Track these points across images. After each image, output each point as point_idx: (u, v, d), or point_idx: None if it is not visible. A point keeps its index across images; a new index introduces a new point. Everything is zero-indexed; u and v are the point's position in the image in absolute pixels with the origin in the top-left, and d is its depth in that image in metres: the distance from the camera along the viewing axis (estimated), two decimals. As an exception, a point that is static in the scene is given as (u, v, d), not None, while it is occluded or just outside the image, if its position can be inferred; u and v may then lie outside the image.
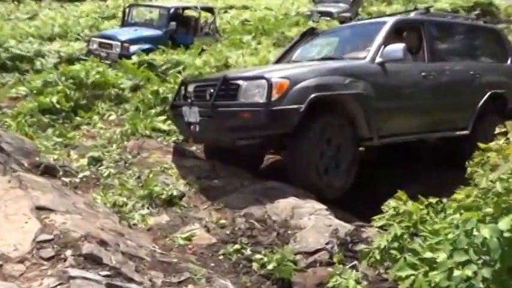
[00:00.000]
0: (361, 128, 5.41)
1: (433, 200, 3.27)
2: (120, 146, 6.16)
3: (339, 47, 6.71)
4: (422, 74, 5.91)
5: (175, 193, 4.86)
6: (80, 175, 5.29)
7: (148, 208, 4.66)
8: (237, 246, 4.08)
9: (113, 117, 7.74)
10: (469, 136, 6.31)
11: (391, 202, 3.24)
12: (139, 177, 5.21)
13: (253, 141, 5.09)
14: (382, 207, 3.28)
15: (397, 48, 5.45)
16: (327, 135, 5.11)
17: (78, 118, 7.53)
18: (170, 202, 4.79)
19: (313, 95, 4.88)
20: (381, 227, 3.29)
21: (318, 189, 5.03)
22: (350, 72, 5.31)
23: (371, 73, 5.46)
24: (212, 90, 5.09)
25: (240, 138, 5.03)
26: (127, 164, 5.59)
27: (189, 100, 5.40)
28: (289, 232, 4.24)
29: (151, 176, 5.12)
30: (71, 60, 10.80)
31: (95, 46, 11.83)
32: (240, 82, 4.98)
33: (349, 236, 4.03)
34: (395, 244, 2.93)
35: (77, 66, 8.63)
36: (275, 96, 4.76)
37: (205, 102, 5.14)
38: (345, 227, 4.16)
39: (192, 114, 5.29)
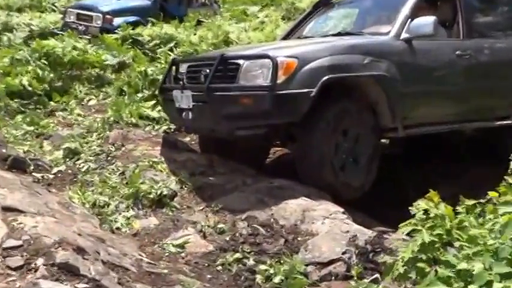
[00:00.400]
0: (384, 117, 5.37)
1: (470, 202, 3.24)
2: (101, 136, 6.15)
3: (358, 20, 6.59)
4: (457, 52, 5.84)
5: (165, 192, 4.85)
6: (54, 170, 5.29)
7: (133, 209, 4.66)
8: (238, 255, 4.07)
9: (93, 102, 7.74)
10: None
11: (421, 204, 3.20)
12: (123, 173, 5.21)
13: (255, 131, 5.06)
14: (410, 209, 3.24)
15: (427, 22, 5.37)
16: (343, 125, 5.09)
17: (52, 103, 7.53)
18: (159, 202, 4.79)
19: (326, 77, 4.83)
20: (408, 234, 3.26)
21: (333, 189, 5.02)
22: (371, 50, 5.26)
23: (395, 51, 5.40)
24: (208, 71, 5.05)
25: (240, 128, 5.00)
26: (109, 158, 5.59)
27: (181, 83, 5.36)
28: (299, 239, 4.23)
29: (137, 171, 5.11)
30: (43, 35, 10.76)
31: (72, 18, 11.80)
32: (240, 62, 4.94)
33: (370, 244, 4.00)
34: (425, 254, 2.90)
35: (51, 42, 8.60)
36: (281, 78, 4.73)
37: (200, 85, 5.12)
38: (365, 234, 4.14)
39: (184, 99, 5.25)
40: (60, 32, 10.48)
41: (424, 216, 3.10)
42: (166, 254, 4.08)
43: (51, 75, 7.93)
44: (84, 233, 3.60)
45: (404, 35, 5.47)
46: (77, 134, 6.18)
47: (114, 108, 6.87)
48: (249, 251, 4.16)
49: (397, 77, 5.29)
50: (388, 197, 6.21)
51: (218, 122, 5.05)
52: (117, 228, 4.39)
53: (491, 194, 3.00)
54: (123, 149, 5.79)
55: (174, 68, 5.76)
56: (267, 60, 4.78)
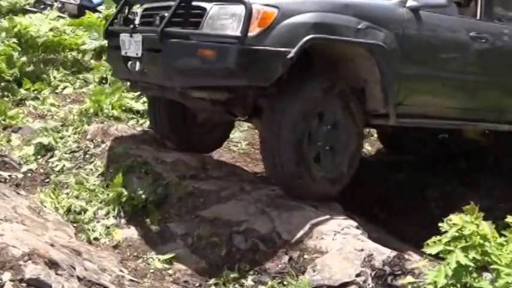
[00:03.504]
0: (374, 99, 5.13)
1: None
2: (78, 131, 6.09)
3: None
4: (471, 34, 5.59)
5: (151, 198, 4.82)
6: (24, 169, 5.26)
7: (115, 217, 4.64)
8: (234, 275, 4.06)
9: (69, 90, 7.69)
10: None
11: (454, 219, 3.15)
12: (103, 175, 5.19)
13: (215, 95, 4.86)
14: (440, 226, 3.18)
15: None
16: (322, 105, 4.87)
17: (22, 90, 7.48)
18: (144, 210, 4.77)
19: (309, 37, 4.54)
20: (434, 255, 3.21)
21: (302, 186, 4.81)
22: (368, 13, 4.96)
23: (398, 20, 5.12)
24: (166, 14, 4.74)
25: (196, 88, 4.77)
26: (87, 156, 5.55)
27: (131, 25, 5.05)
28: (305, 257, 4.18)
29: (119, 173, 5.05)
30: (14, 12, 10.70)
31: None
32: (206, 5, 4.59)
33: (389, 265, 3.96)
34: (458, 280, 2.86)
35: (22, 21, 8.53)
36: (255, 30, 4.42)
37: (153, 28, 4.81)
38: (382, 253, 4.09)
39: (132, 45, 4.95)
40: (33, 9, 10.42)
41: (457, 234, 3.06)
42: (152, 270, 4.07)
43: (22, 58, 7.87)
44: (58, 244, 3.60)
45: (411, 2, 5.20)
46: (50, 127, 6.12)
47: (93, 98, 6.80)
48: (247, 269, 4.14)
49: (397, 52, 5.07)
50: (406, 210, 6.22)
51: (170, 76, 4.74)
52: (95, 239, 4.38)
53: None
54: (103, 146, 5.73)
55: (127, 8, 5.44)
56: (240, 7, 4.45)
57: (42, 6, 10.58)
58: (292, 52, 4.47)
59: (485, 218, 3.19)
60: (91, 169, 5.29)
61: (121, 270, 3.84)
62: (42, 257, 3.22)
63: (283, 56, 4.46)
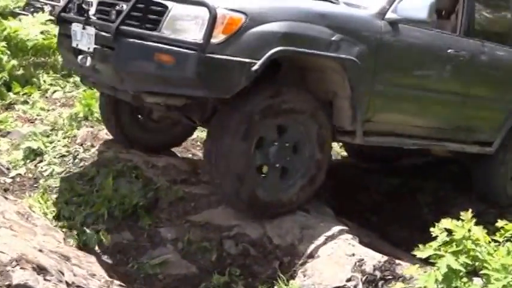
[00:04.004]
0: (341, 115, 4.88)
1: (503, 224, 3.22)
2: (67, 135, 6.08)
3: None
4: (449, 50, 5.38)
5: (141, 202, 4.81)
6: (12, 173, 5.23)
7: (104, 222, 4.61)
8: (224, 279, 4.06)
9: (59, 94, 7.66)
10: (491, 158, 6.09)
11: (444, 223, 3.16)
12: (92, 179, 5.15)
13: (171, 101, 4.59)
14: (431, 230, 3.20)
15: (422, 4, 4.81)
16: (282, 118, 4.54)
17: (11, 94, 7.45)
18: (134, 215, 4.75)
19: (276, 49, 4.25)
20: (425, 260, 3.22)
21: (248, 203, 4.53)
22: (344, 24, 4.69)
23: (375, 33, 4.85)
24: (124, 7, 4.38)
25: (150, 93, 4.43)
26: (77, 160, 5.52)
27: (85, 15, 4.63)
28: (296, 262, 4.20)
29: (109, 177, 5.04)
30: (3, 15, 10.66)
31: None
32: (168, 3, 4.22)
33: (379, 270, 3.97)
34: (447, 285, 2.87)
35: (12, 24, 8.51)
36: (219, 37, 4.09)
37: (107, 24, 4.41)
38: (373, 258, 4.11)
39: (84, 37, 4.57)
40: (23, 12, 10.38)
41: (448, 239, 3.07)
42: (142, 275, 4.08)
43: (12, 62, 7.84)
44: (46, 249, 3.59)
45: (390, 15, 4.91)
46: (39, 131, 6.09)
47: (83, 102, 6.78)
48: (237, 274, 4.15)
49: (371, 68, 4.83)
50: (398, 215, 6.23)
51: (122, 79, 4.37)
52: (85, 244, 4.36)
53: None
54: (93, 150, 5.71)
55: None
56: (203, 10, 4.07)
57: (32, 10, 10.53)
58: (257, 65, 4.16)
59: (476, 223, 3.21)
60: (80, 174, 5.25)
61: (110, 276, 3.83)
62: (31, 262, 3.20)
63: (247, 67, 4.16)
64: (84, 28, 4.56)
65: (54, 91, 7.71)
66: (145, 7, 4.27)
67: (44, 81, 7.87)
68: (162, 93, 4.42)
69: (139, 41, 4.18)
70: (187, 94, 4.43)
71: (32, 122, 6.62)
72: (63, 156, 5.61)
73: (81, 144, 5.84)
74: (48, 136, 6.03)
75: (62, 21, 5.02)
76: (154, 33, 4.17)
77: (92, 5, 4.63)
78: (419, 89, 5.29)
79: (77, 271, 3.52)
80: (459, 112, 5.69)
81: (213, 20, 4.01)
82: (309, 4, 4.70)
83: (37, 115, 6.85)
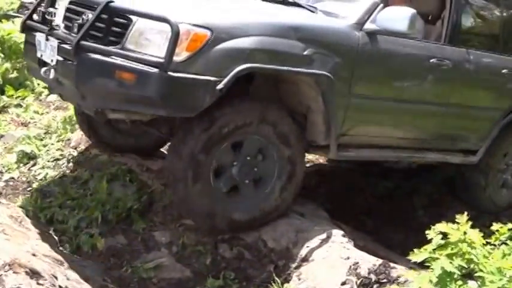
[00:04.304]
0: (315, 130, 4.74)
1: (498, 227, 3.23)
2: (61, 139, 6.07)
3: None
4: (432, 60, 5.20)
5: (135, 206, 4.80)
6: (6, 177, 5.22)
7: (98, 226, 4.59)
8: (219, 283, 4.06)
9: (53, 97, 7.63)
10: (476, 167, 6.04)
11: (439, 226, 3.17)
12: (86, 183, 5.13)
13: (135, 117, 4.47)
14: (427, 233, 3.20)
15: (402, 15, 4.63)
16: (229, 140, 4.35)
17: (5, 97, 7.44)
18: (128, 218, 4.73)
19: (243, 67, 4.07)
20: (421, 263, 3.23)
21: (231, 229, 4.47)
22: (318, 37, 4.50)
23: (352, 45, 4.66)
24: (87, 18, 4.16)
25: (114, 110, 4.27)
26: (70, 164, 5.51)
27: (48, 25, 4.44)
28: (291, 265, 4.19)
29: (103, 181, 5.03)
30: (-3, 17, 10.67)
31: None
32: (133, 16, 4.03)
33: (374, 273, 3.95)
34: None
35: (5, 26, 8.50)
36: (182, 54, 3.92)
37: (69, 37, 4.22)
38: (368, 261, 4.09)
39: (48, 48, 4.37)
40: (17, 15, 10.35)
41: (443, 242, 3.07)
42: (136, 279, 4.07)
43: (5, 65, 7.84)
44: (40, 253, 3.58)
45: (369, 26, 4.75)
46: (33, 134, 6.09)
47: (78, 105, 6.79)
48: (232, 277, 4.15)
49: (346, 81, 4.68)
50: (394, 218, 6.23)
51: (83, 95, 4.21)
52: (78, 248, 4.34)
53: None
54: (87, 153, 5.69)
55: (47, 0, 4.67)
56: (165, 26, 3.89)
57: (26, 12, 10.51)
58: (222, 83, 3.98)
59: (472, 226, 3.21)
60: (74, 177, 5.22)
61: (104, 280, 3.83)
62: (24, 266, 3.19)
63: (212, 86, 3.98)
64: (47, 39, 4.39)
65: (48, 94, 7.69)
66: (109, 19, 4.08)
67: (38, 84, 7.85)
68: (125, 111, 4.27)
69: (101, 57, 4.00)
70: (150, 113, 4.29)
71: (25, 125, 6.61)
72: (57, 159, 5.59)
73: (75, 148, 5.83)
74: (41, 139, 6.02)
75: (28, 30, 4.83)
76: (116, 49, 3.99)
77: (55, 16, 4.45)
78: (399, 100, 5.15)
79: (71, 275, 3.51)
80: (442, 121, 5.59)
81: (175, 36, 3.83)
82: (279, 17, 4.54)
83: (31, 118, 6.84)
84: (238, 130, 4.29)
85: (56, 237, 4.29)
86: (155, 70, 3.86)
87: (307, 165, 6.78)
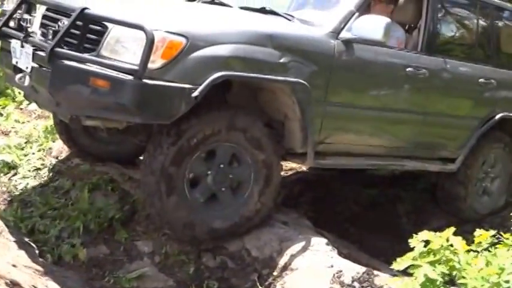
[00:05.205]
0: (292, 138, 4.76)
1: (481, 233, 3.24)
2: (42, 148, 6.02)
3: None
4: (408, 69, 5.23)
5: (118, 216, 4.78)
6: (-15, 187, 5.15)
7: (80, 236, 4.57)
8: None
9: (34, 106, 7.57)
10: (455, 175, 6.09)
11: (421, 234, 3.18)
12: (68, 193, 5.11)
13: (111, 124, 4.50)
14: (409, 241, 3.21)
15: (377, 24, 4.69)
16: (199, 150, 4.34)
17: (-16, 106, 7.38)
18: (110, 228, 4.72)
19: (218, 74, 4.08)
20: (403, 270, 3.24)
21: (212, 238, 4.49)
22: (294, 45, 4.53)
23: (327, 53, 4.69)
24: (63, 25, 4.13)
25: (89, 116, 4.25)
26: (52, 173, 5.46)
27: (24, 32, 4.41)
28: (274, 274, 4.20)
29: (85, 191, 5.01)
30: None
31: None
32: (108, 24, 4.04)
33: (358, 281, 3.97)
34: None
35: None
36: (157, 62, 3.92)
37: (43, 44, 4.20)
38: (352, 269, 4.11)
39: (23, 55, 4.32)
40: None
41: (425, 249, 3.09)
42: (118, 289, 4.03)
43: (-15, 73, 7.78)
44: (20, 264, 3.55)
45: (344, 34, 4.79)
46: (14, 144, 6.04)
47: (59, 114, 6.75)
48: (215, 287, 4.17)
49: (322, 89, 4.69)
50: (378, 226, 6.25)
51: (58, 102, 4.21)
52: (60, 258, 4.32)
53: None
54: (69, 163, 5.65)
55: (24, 6, 4.66)
56: (139, 33, 3.87)
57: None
58: (198, 91, 3.98)
59: (455, 233, 3.23)
60: (55, 187, 5.19)
61: (86, 290, 3.81)
62: (3, 277, 3.19)
63: (187, 93, 3.99)
64: (22, 46, 4.34)
65: (30, 103, 7.65)
66: (84, 26, 4.06)
67: (19, 93, 7.79)
68: (100, 118, 4.28)
69: (75, 64, 3.97)
70: (125, 120, 4.31)
71: (6, 134, 6.55)
72: (38, 169, 5.55)
73: (57, 157, 5.79)
74: (22, 149, 5.97)
75: (3, 36, 4.74)
76: (91, 56, 3.97)
77: (31, 22, 4.44)
78: (375, 109, 5.17)
79: (52, 286, 3.49)
80: (420, 130, 5.62)
81: (150, 44, 3.82)
82: (255, 25, 4.54)
83: (11, 127, 6.78)
84: (208, 139, 4.29)
85: (37, 248, 4.25)
86: (130, 77, 3.85)
87: (290, 173, 6.82)
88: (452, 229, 3.19)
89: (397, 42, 5.38)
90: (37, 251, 4.19)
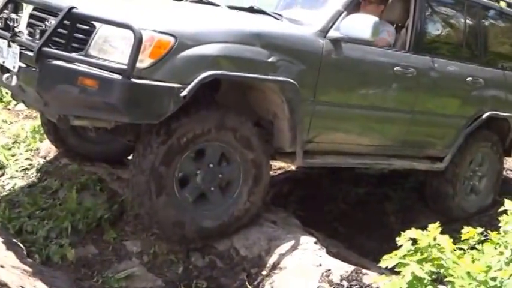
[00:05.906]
0: (280, 137, 4.77)
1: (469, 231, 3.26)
2: (30, 148, 6.01)
3: None
4: (396, 68, 5.26)
5: (106, 215, 4.77)
6: (-27, 187, 5.13)
7: (68, 236, 4.56)
8: None
9: (22, 106, 7.55)
10: (443, 174, 6.14)
11: (409, 232, 3.19)
12: (56, 193, 5.10)
13: (99, 124, 4.43)
14: (397, 240, 3.22)
15: (365, 23, 4.69)
16: (189, 149, 4.36)
17: (-29, 106, 7.35)
18: (99, 228, 4.71)
19: (206, 74, 4.08)
20: (392, 269, 3.25)
21: (201, 238, 4.49)
22: (282, 45, 4.54)
23: (316, 52, 4.71)
24: (50, 25, 4.11)
25: (77, 116, 4.22)
26: (40, 174, 5.45)
27: (10, 31, 4.36)
28: (263, 273, 4.20)
29: (73, 191, 5.00)
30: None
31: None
32: (96, 24, 4.03)
33: (347, 280, 3.98)
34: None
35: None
36: (146, 61, 3.92)
37: (31, 44, 4.17)
38: (340, 268, 4.12)
39: (10, 55, 4.30)
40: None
41: (413, 248, 3.10)
42: (107, 289, 4.02)
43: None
44: (8, 265, 3.54)
45: (333, 33, 4.80)
46: (1, 144, 6.02)
47: (47, 114, 6.73)
48: (204, 286, 4.18)
49: (311, 88, 4.72)
50: (366, 224, 6.26)
51: (46, 102, 4.17)
52: (48, 259, 4.31)
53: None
54: (57, 163, 5.63)
55: (11, 5, 4.61)
56: (128, 32, 3.86)
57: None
58: (186, 90, 3.99)
59: (442, 232, 3.24)
60: (43, 187, 5.18)
61: (75, 291, 3.80)
62: (-9, 278, 3.18)
63: (176, 92, 3.99)
64: (9, 45, 4.30)
65: (17, 103, 7.62)
66: (72, 25, 4.04)
67: (7, 93, 7.77)
68: (88, 118, 4.25)
69: (63, 64, 3.95)
70: (113, 120, 4.25)
71: (-7, 135, 6.54)
72: (26, 169, 5.53)
73: (45, 157, 5.77)
74: (10, 149, 5.94)
75: None
76: (78, 55, 3.96)
77: (17, 22, 4.39)
78: (363, 108, 5.20)
79: (40, 286, 3.47)
80: (408, 129, 5.65)
81: (138, 43, 3.80)
82: (244, 25, 4.54)
83: (-2, 127, 6.77)
84: (198, 139, 4.29)
85: (25, 248, 4.23)
86: (118, 77, 3.84)
87: (279, 172, 6.83)
88: (437, 225, 3.21)
89: (388, 34, 5.44)
90: (25, 252, 4.16)
